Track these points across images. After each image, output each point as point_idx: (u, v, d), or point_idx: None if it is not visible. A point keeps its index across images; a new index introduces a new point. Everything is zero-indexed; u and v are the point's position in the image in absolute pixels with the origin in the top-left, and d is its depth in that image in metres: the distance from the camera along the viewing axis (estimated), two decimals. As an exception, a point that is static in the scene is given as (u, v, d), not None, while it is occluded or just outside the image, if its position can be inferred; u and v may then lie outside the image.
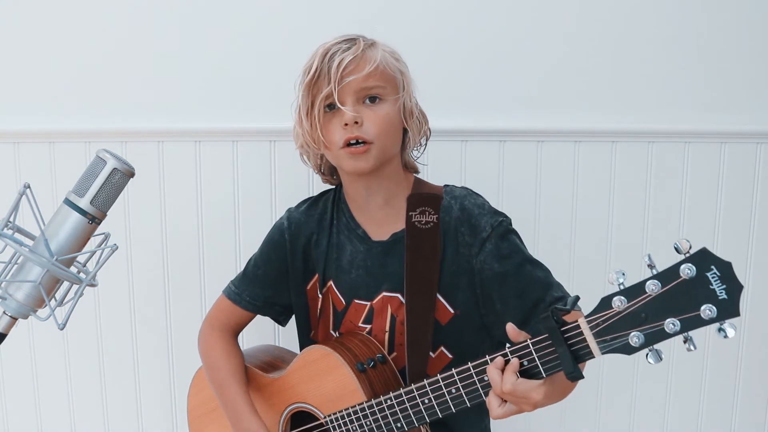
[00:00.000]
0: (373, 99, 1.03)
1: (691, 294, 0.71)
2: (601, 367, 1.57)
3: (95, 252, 0.85)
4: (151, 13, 1.49)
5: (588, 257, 1.53)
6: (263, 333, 1.51)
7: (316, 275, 1.15)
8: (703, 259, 0.70)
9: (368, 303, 1.11)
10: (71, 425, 1.62)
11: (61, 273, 0.82)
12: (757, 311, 1.56)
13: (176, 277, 1.56)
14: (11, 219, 0.84)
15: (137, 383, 1.60)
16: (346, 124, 1.01)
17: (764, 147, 1.51)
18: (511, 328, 0.85)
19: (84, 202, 0.84)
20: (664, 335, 0.74)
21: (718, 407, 1.59)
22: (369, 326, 1.11)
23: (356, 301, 1.12)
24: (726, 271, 0.70)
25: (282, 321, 1.23)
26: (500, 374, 0.84)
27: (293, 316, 1.23)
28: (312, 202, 1.19)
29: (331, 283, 1.14)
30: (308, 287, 1.17)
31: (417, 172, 1.17)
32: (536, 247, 1.51)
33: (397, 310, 1.09)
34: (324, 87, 1.00)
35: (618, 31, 1.48)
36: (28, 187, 0.83)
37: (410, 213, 1.08)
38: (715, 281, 0.70)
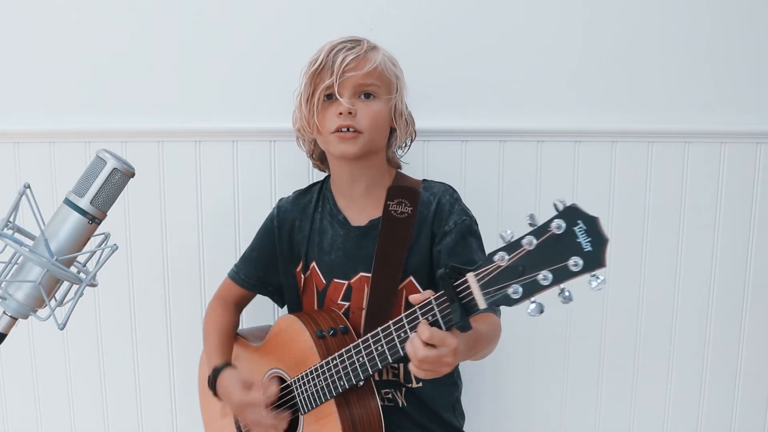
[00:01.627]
0: (368, 96, 1.14)
1: (561, 247, 0.75)
2: (601, 367, 1.57)
3: (95, 252, 0.85)
4: (152, 14, 1.48)
5: (588, 257, 1.52)
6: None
7: (301, 258, 1.25)
8: (571, 214, 0.75)
9: (346, 282, 1.20)
10: (71, 425, 1.62)
11: (61, 273, 0.82)
12: (757, 311, 1.56)
13: (176, 277, 1.56)
14: (11, 219, 0.84)
15: (137, 383, 1.60)
16: (341, 113, 1.12)
17: (764, 147, 1.51)
18: (413, 296, 0.93)
19: (84, 202, 0.84)
20: (539, 286, 0.77)
21: (718, 407, 1.59)
22: (347, 303, 1.20)
23: (335, 280, 1.21)
24: (592, 225, 0.74)
25: (278, 301, 1.34)
26: (416, 336, 0.91)
27: None
28: (302, 192, 1.31)
29: (313, 264, 1.24)
30: (297, 270, 1.27)
31: (399, 168, 1.28)
32: (536, 247, 1.51)
33: None
34: (326, 78, 1.12)
35: (618, 31, 1.48)
36: (28, 187, 0.83)
37: (388, 202, 1.19)
38: (581, 234, 0.74)
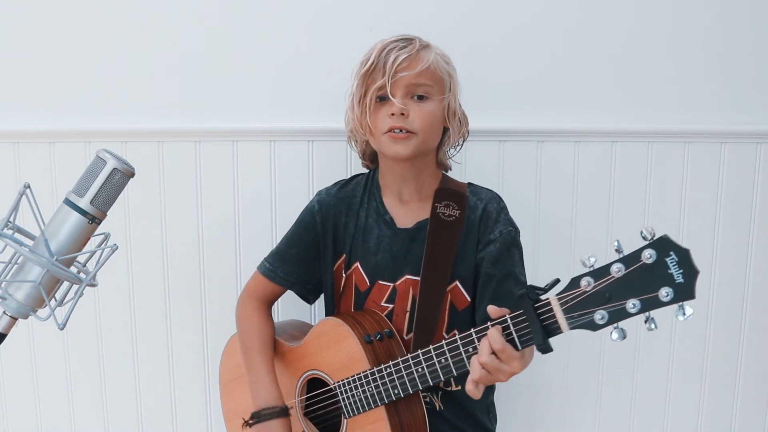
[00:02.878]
0: (421, 97, 1.12)
1: (651, 277, 0.78)
2: (601, 367, 1.57)
3: (95, 252, 0.85)
4: (152, 14, 1.48)
5: (588, 257, 1.53)
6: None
7: (343, 255, 1.23)
8: (663, 245, 0.77)
9: (391, 284, 1.19)
10: (71, 425, 1.62)
11: (61, 273, 0.82)
12: (757, 311, 1.56)
13: (176, 277, 1.56)
14: (11, 219, 0.84)
15: (137, 383, 1.60)
16: (393, 114, 1.10)
17: (764, 147, 1.51)
18: (492, 308, 0.93)
19: (84, 202, 0.84)
20: (626, 314, 0.80)
21: (718, 407, 1.59)
22: (391, 306, 1.19)
23: (380, 282, 1.20)
24: (684, 257, 0.77)
25: (310, 299, 1.30)
26: (485, 339, 0.92)
27: (321, 296, 1.30)
28: (342, 185, 1.27)
29: (357, 264, 1.22)
30: (335, 267, 1.25)
31: (448, 170, 1.26)
32: (536, 247, 1.51)
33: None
34: (378, 79, 1.10)
35: (618, 31, 1.48)
36: (28, 187, 0.83)
37: (436, 204, 1.17)
38: (673, 266, 0.77)
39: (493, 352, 0.90)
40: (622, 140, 1.50)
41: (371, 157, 1.26)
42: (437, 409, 1.19)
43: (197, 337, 1.57)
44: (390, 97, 1.09)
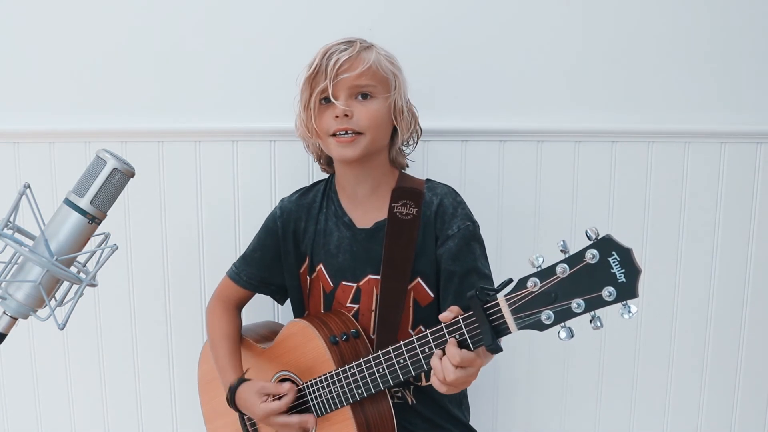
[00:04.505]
0: (365, 96, 1.14)
1: (594, 277, 0.78)
2: (601, 367, 1.57)
3: (95, 252, 0.85)
4: (152, 14, 1.48)
5: (588, 257, 1.53)
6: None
7: (307, 259, 1.25)
8: (606, 245, 0.77)
9: (355, 284, 1.20)
10: (71, 425, 1.62)
11: (61, 273, 0.82)
12: (757, 311, 1.56)
13: (176, 277, 1.56)
14: (11, 219, 0.84)
15: (137, 383, 1.60)
16: (337, 116, 1.12)
17: (764, 147, 1.51)
18: (442, 316, 0.94)
19: (84, 202, 0.84)
20: (571, 314, 0.81)
21: (718, 407, 1.59)
22: (357, 306, 1.20)
23: (344, 282, 1.21)
24: (626, 256, 0.77)
25: (279, 299, 1.35)
26: (442, 358, 0.93)
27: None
28: (303, 192, 1.30)
29: (320, 266, 1.24)
30: (301, 270, 1.27)
31: (404, 168, 1.27)
32: (536, 247, 1.51)
33: None
34: (321, 82, 1.12)
35: (618, 31, 1.48)
36: (28, 187, 0.83)
37: (393, 204, 1.18)
38: (615, 266, 0.77)
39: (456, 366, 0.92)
40: (622, 140, 1.50)
41: (327, 161, 1.27)
42: (410, 403, 1.21)
43: (197, 336, 1.57)
44: (332, 99, 1.11)
